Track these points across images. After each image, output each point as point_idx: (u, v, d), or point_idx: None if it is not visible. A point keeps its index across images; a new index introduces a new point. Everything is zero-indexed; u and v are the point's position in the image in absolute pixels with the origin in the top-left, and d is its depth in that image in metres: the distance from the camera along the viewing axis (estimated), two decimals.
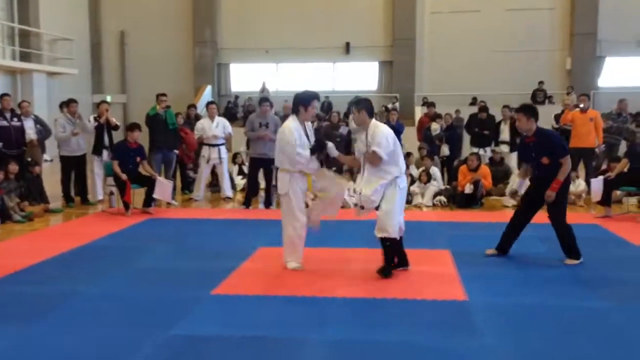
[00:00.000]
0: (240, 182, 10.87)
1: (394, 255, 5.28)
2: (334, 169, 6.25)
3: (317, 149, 5.31)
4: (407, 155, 9.26)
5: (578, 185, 9.18)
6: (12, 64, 15.74)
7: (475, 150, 10.68)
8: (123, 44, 20.95)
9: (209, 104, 10.53)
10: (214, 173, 10.44)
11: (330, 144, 5.45)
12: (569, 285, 5.03)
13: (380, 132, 5.08)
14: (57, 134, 9.29)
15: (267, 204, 9.15)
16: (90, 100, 19.05)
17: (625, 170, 8.22)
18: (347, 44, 20.02)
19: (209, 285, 4.98)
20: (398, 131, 9.69)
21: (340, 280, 5.16)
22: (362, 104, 5.24)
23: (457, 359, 3.60)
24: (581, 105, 10.07)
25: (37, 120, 9.69)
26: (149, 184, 8.56)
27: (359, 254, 6.06)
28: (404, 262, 5.42)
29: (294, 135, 5.21)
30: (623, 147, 10.61)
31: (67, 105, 9.40)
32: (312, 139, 5.40)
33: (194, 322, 4.20)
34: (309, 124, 5.49)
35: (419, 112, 16.56)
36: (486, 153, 10.81)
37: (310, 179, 5.33)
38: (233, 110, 19.30)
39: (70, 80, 17.89)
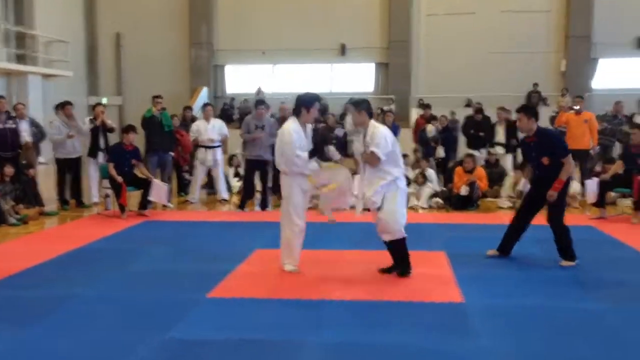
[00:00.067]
0: (236, 184, 10.86)
1: (406, 252, 5.26)
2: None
3: (315, 152, 5.31)
4: (403, 157, 9.26)
5: (573, 186, 9.21)
6: (7, 66, 15.68)
7: (471, 151, 10.70)
8: (119, 46, 20.90)
9: (205, 105, 10.53)
10: (210, 175, 10.43)
11: (332, 148, 5.47)
12: (564, 287, 5.05)
13: (379, 133, 5.10)
14: (52, 137, 9.26)
15: (263, 206, 9.15)
16: (85, 103, 18.99)
17: (620, 172, 8.25)
18: (343, 46, 20.03)
19: (205, 288, 4.97)
20: (394, 133, 9.69)
21: (337, 283, 5.16)
22: (362, 105, 5.25)
23: None
24: (576, 107, 10.11)
25: (32, 123, 9.67)
26: (144, 186, 8.55)
27: (355, 256, 6.06)
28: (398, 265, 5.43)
29: (293, 136, 5.20)
30: (617, 149, 10.66)
31: (63, 107, 9.38)
32: (311, 141, 5.41)
33: (190, 325, 4.19)
34: (309, 126, 5.48)
35: (414, 114, 16.59)
36: (482, 155, 10.83)
37: (311, 178, 5.32)
38: (229, 112, 19.29)
39: (65, 83, 17.84)
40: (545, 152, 5.60)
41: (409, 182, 9.60)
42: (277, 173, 10.00)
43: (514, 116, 11.26)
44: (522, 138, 5.91)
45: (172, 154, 9.88)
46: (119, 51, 20.98)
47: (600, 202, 8.22)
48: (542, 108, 16.58)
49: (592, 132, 9.94)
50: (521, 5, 18.99)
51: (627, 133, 8.87)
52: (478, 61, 18.95)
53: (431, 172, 9.98)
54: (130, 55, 20.70)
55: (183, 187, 10.67)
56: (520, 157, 10.92)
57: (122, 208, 8.38)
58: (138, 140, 8.89)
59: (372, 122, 5.21)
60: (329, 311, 4.46)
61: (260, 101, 9.66)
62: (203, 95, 19.48)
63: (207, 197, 10.41)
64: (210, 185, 10.56)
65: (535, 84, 18.09)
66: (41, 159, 10.60)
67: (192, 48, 20.47)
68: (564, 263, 5.65)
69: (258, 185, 9.40)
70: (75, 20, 19.88)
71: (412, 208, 9.29)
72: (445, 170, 10.96)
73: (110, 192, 8.74)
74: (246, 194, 9.19)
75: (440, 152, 11.22)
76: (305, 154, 5.22)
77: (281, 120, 10.23)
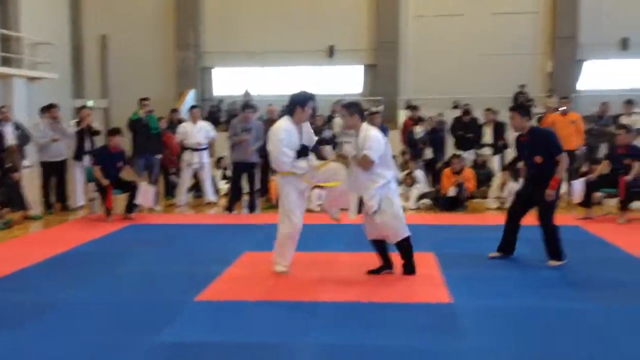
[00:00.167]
0: (224, 186, 10.81)
1: (412, 251, 5.35)
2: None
3: (304, 152, 5.28)
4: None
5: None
6: None
7: (459, 152, 10.73)
8: (105, 48, 20.76)
9: (192, 107, 10.48)
10: (197, 178, 10.36)
11: (328, 148, 5.45)
12: (552, 287, 5.06)
13: (372, 136, 5.11)
14: (37, 140, 9.17)
15: (251, 208, 9.11)
16: (71, 105, 18.83)
17: (606, 172, 8.30)
18: (331, 47, 20.04)
19: (193, 291, 4.93)
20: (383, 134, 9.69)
21: (327, 285, 5.14)
22: (354, 108, 5.27)
23: None
24: (562, 108, 10.17)
25: (17, 126, 9.57)
26: (130, 189, 8.48)
27: (345, 258, 6.06)
28: (388, 265, 5.43)
29: (281, 135, 5.19)
30: (603, 150, 10.74)
31: (48, 110, 9.29)
32: (311, 140, 5.36)
33: (179, 329, 4.15)
34: (306, 125, 5.40)
35: (402, 115, 16.61)
36: (470, 156, 10.87)
37: (304, 178, 5.29)
38: (216, 114, 19.22)
39: (50, 85, 17.68)
40: (538, 151, 5.63)
41: (397, 183, 9.61)
42: (264, 176, 10.04)
43: (501, 117, 11.39)
44: (516, 136, 5.93)
45: (159, 156, 9.82)
46: (105, 53, 20.84)
47: (587, 202, 8.27)
48: None
49: (579, 132, 10.00)
50: (509, 7, 19.11)
51: (614, 134, 8.93)
52: (465, 63, 19.03)
53: (419, 173, 10.00)
54: (117, 57, 20.56)
55: (170, 189, 10.60)
56: (507, 158, 11.00)
57: (108, 211, 8.31)
58: (124, 143, 8.81)
59: (364, 125, 5.22)
60: (319, 313, 4.44)
61: (247, 105, 9.63)
62: (190, 97, 19.39)
63: (194, 200, 10.35)
64: (197, 187, 10.50)
65: (522, 85, 18.20)
66: (26, 162, 10.50)
67: (179, 50, 20.38)
68: (552, 263, 5.67)
69: (246, 187, 9.35)
70: (60, 22, 19.71)
71: None
72: (433, 172, 10.99)
73: (95, 195, 8.66)
74: (233, 196, 9.15)
75: (428, 153, 11.24)
76: (292, 153, 5.19)
77: (269, 122, 10.21)
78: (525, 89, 18.09)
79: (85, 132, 9.28)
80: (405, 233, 5.28)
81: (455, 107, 17.19)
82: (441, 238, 7.02)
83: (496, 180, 9.64)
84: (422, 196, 9.58)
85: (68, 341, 3.92)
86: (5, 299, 4.82)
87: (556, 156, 5.57)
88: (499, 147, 10.86)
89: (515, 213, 5.91)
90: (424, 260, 5.87)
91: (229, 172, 10.64)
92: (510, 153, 10.77)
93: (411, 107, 12.47)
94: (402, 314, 4.42)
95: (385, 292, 4.92)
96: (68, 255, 6.38)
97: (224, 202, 9.84)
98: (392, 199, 5.21)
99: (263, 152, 9.21)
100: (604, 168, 8.36)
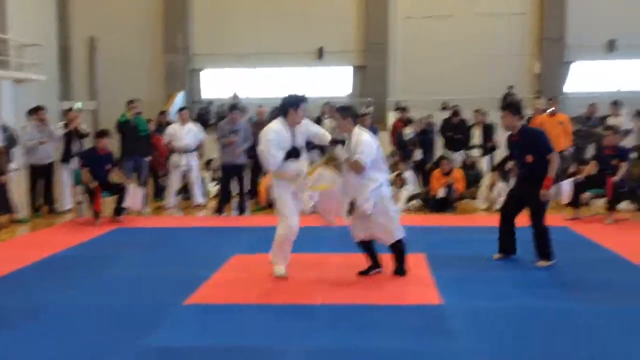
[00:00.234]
0: (213, 188, 10.77)
1: (405, 253, 5.39)
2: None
3: (294, 153, 5.26)
4: None
5: None
6: None
7: (449, 153, 10.76)
8: (93, 50, 20.63)
9: (180, 109, 10.43)
10: (186, 180, 10.31)
11: (317, 152, 5.45)
12: (542, 288, 5.08)
13: (364, 140, 5.12)
14: (24, 142, 9.08)
15: (241, 210, 9.08)
16: (58, 107, 18.69)
17: (594, 173, 8.35)
18: (321, 49, 20.04)
19: (182, 294, 4.90)
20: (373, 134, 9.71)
21: (316, 287, 5.13)
22: (346, 111, 5.30)
23: None
24: (550, 109, 10.22)
25: (4, 128, 9.46)
26: (119, 192, 8.42)
27: (335, 259, 6.04)
28: (376, 265, 5.45)
29: (270, 135, 5.18)
30: (591, 150, 10.81)
31: (36, 112, 9.21)
32: (302, 143, 5.34)
33: (167, 333, 4.12)
34: (300, 127, 5.35)
35: (391, 117, 16.63)
36: (459, 157, 10.90)
37: (293, 180, 5.28)
38: (205, 116, 19.15)
39: (38, 87, 17.53)
40: (528, 150, 5.65)
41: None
42: (254, 177, 10.01)
43: (490, 118, 11.43)
44: (507, 136, 5.96)
45: (148, 158, 9.76)
46: (93, 55, 20.71)
47: (575, 203, 8.32)
48: None
49: (567, 133, 10.06)
50: (497, 9, 19.21)
51: (602, 135, 8.99)
52: (454, 64, 19.10)
53: (409, 175, 10.01)
54: (105, 59, 20.44)
55: (159, 192, 10.54)
56: (496, 159, 11.04)
57: (96, 214, 8.25)
58: (112, 145, 8.75)
59: (357, 129, 5.24)
60: (310, 316, 4.43)
61: (233, 106, 9.60)
62: (179, 99, 19.31)
63: (183, 202, 10.29)
64: (186, 190, 10.44)
65: (511, 87, 18.29)
66: (13, 165, 10.39)
67: (167, 52, 20.29)
68: (541, 263, 5.70)
69: (236, 189, 9.32)
70: (48, 24, 19.57)
71: None
72: (422, 173, 11.01)
73: (83, 198, 8.59)
74: (223, 198, 9.12)
75: (418, 154, 11.26)
76: (281, 154, 5.17)
77: (259, 123, 10.19)
78: (513, 90, 18.19)
79: (73, 135, 9.21)
80: (400, 235, 5.32)
81: (444, 108, 17.24)
82: (431, 239, 7.02)
83: (485, 181, 9.68)
84: (411, 197, 9.60)
85: (55, 345, 3.89)
86: None
87: (547, 155, 5.60)
88: (488, 148, 10.90)
89: (507, 213, 5.93)
90: (415, 261, 5.86)
91: (218, 174, 10.61)
92: (499, 154, 10.86)
93: (400, 109, 12.50)
94: (393, 315, 4.42)
95: (376, 294, 4.92)
96: (55, 258, 6.32)
97: (213, 204, 9.80)
98: (386, 202, 5.24)
99: (252, 153, 9.21)
100: (591, 169, 8.41)
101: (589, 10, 18.66)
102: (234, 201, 9.34)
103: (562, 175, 9.66)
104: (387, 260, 5.45)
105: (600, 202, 8.74)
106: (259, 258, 5.78)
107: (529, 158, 5.64)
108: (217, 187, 10.20)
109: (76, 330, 4.18)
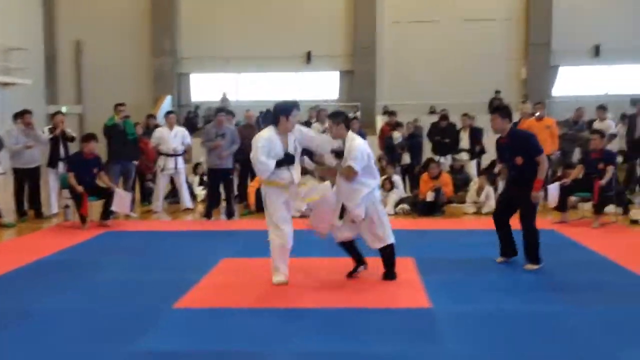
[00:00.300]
0: (201, 192, 10.73)
1: (394, 258, 5.40)
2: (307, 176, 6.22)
3: (287, 161, 5.22)
4: None
5: None
6: None
7: (436, 158, 10.80)
8: (79, 54, 20.51)
9: (168, 113, 10.39)
10: (173, 184, 10.26)
11: (306, 159, 5.41)
12: (530, 291, 5.11)
13: (357, 146, 5.14)
14: (10, 146, 8.99)
15: (229, 214, 9.05)
16: (44, 111, 18.55)
17: (580, 176, 8.42)
18: (309, 53, 20.07)
19: (171, 298, 4.87)
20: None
21: (304, 291, 5.13)
22: (339, 117, 5.31)
23: None
24: (537, 114, 10.30)
25: None
26: (106, 196, 8.36)
27: (322, 263, 6.03)
28: (361, 262, 5.50)
29: (260, 142, 5.15)
30: (577, 154, 10.91)
31: (21, 116, 9.12)
32: (297, 150, 5.31)
33: (156, 337, 4.09)
34: (292, 135, 5.28)
35: (379, 121, 16.69)
36: (447, 161, 10.95)
37: (285, 188, 5.25)
38: (193, 120, 19.09)
39: (24, 91, 17.40)
40: (518, 152, 5.69)
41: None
42: (242, 181, 9.98)
43: (477, 123, 11.50)
44: (496, 139, 5.99)
45: (136, 162, 9.70)
46: (79, 59, 20.59)
47: (562, 206, 8.38)
48: None
49: (553, 137, 10.13)
50: (483, 14, 19.39)
51: (588, 139, 9.07)
52: (441, 68, 19.23)
53: (397, 178, 10.04)
54: (91, 63, 20.34)
55: (146, 196, 10.48)
56: (484, 163, 11.11)
57: (83, 219, 8.18)
58: (101, 149, 8.69)
59: (350, 135, 5.25)
60: (299, 320, 4.42)
61: (220, 109, 9.57)
62: (167, 103, 19.25)
63: (171, 207, 10.24)
64: (174, 194, 10.40)
65: (498, 91, 18.44)
66: None
67: (154, 56, 20.23)
68: (529, 266, 5.73)
69: (224, 193, 9.29)
70: (34, 28, 19.44)
71: None
72: (411, 177, 11.05)
73: (70, 202, 8.52)
74: (211, 202, 9.08)
75: (406, 158, 11.30)
76: (271, 162, 5.14)
77: (247, 127, 10.18)
78: (500, 95, 18.33)
79: (59, 138, 9.14)
80: (390, 240, 5.32)
81: (432, 112, 17.32)
82: (420, 243, 7.04)
83: (473, 185, 9.73)
84: (400, 201, 9.62)
85: (43, 350, 3.85)
86: None
87: (536, 157, 5.64)
88: (475, 152, 10.97)
89: (500, 218, 5.96)
90: (404, 265, 5.87)
91: (206, 178, 10.57)
92: (487, 158, 10.92)
93: (388, 113, 12.54)
94: (382, 319, 4.42)
95: (366, 298, 4.92)
96: (42, 263, 6.26)
97: (201, 208, 9.76)
98: (377, 207, 5.27)
99: (239, 157, 9.19)
100: (578, 172, 8.48)
101: (574, 16, 18.89)
102: (223, 205, 9.31)
103: (549, 179, 9.75)
104: (375, 264, 5.45)
105: (587, 206, 8.81)
106: (247, 262, 5.76)
107: (519, 160, 5.67)
108: (205, 191, 10.16)
109: (64, 335, 4.14)
